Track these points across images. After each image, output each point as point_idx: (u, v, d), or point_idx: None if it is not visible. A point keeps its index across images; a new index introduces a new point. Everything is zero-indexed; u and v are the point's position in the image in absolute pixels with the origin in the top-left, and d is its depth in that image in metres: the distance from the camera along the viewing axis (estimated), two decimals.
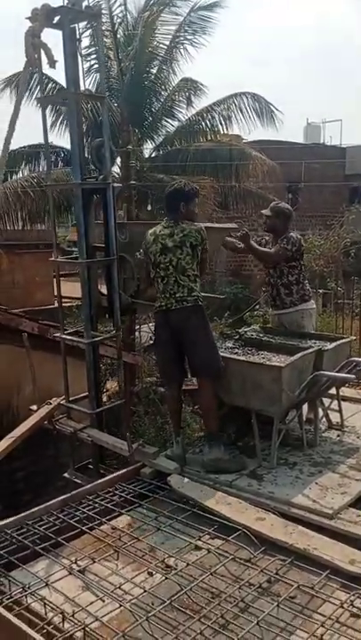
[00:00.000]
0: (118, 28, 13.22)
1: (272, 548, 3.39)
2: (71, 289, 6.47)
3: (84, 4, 4.64)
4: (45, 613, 2.89)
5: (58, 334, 5.34)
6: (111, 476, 4.40)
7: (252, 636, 2.73)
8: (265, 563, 3.26)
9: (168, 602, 2.92)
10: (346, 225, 17.32)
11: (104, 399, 8.58)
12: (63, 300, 5.45)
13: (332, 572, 3.15)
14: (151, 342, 4.99)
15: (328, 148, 26.41)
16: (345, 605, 2.88)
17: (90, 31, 10.53)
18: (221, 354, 4.52)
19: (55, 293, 5.63)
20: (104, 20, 12.83)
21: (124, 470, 4.45)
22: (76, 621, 2.81)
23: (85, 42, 10.85)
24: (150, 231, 4.53)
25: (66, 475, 5.31)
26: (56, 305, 6.74)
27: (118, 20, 13.05)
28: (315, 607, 2.93)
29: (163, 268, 4.36)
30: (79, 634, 2.74)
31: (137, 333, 12.98)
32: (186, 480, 4.19)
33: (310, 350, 4.50)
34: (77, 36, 4.66)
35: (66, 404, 5.24)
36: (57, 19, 4.52)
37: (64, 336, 5.21)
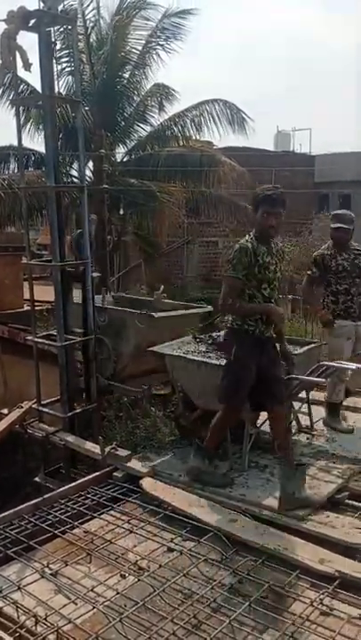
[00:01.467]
0: (91, 32, 13.25)
1: (243, 549, 3.44)
2: (41, 292, 6.42)
3: (60, 7, 4.65)
4: (18, 617, 2.88)
5: (30, 338, 5.31)
6: (83, 479, 4.40)
7: (225, 636, 2.77)
8: (236, 564, 3.31)
9: (141, 603, 2.94)
10: (315, 232, 17.63)
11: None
12: (28, 302, 5.43)
13: (303, 571, 3.21)
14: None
15: (298, 155, 26.76)
16: (315, 604, 2.94)
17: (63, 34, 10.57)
18: (193, 357, 4.56)
19: (25, 297, 5.61)
20: (77, 24, 12.90)
21: (97, 474, 4.45)
22: (48, 624, 2.81)
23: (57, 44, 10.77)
24: (241, 243, 4.01)
25: (37, 479, 5.27)
26: (26, 308, 6.71)
27: (91, 25, 13.07)
28: (285, 606, 2.98)
29: (271, 288, 4.04)
30: (52, 637, 2.74)
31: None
32: (158, 483, 4.21)
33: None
34: (53, 40, 4.67)
35: (38, 408, 5.20)
36: (33, 22, 4.52)
37: (37, 339, 5.19)
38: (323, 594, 3.02)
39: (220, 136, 14.34)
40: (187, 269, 22.89)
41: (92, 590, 3.11)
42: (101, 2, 13.09)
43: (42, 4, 4.52)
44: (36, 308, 5.59)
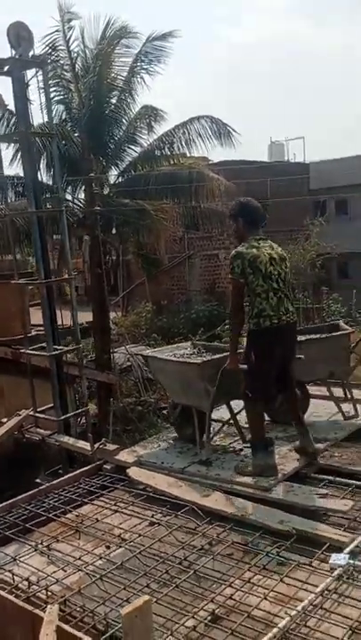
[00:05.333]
0: (76, 62, 13.84)
1: (215, 519, 3.86)
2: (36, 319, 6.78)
3: (31, 53, 5.19)
4: (14, 582, 3.32)
5: (23, 350, 5.80)
6: (76, 472, 4.84)
7: (193, 586, 3.19)
8: (208, 530, 3.73)
9: (119, 563, 3.37)
10: (311, 238, 18.02)
11: (83, 420, 8.99)
12: (37, 327, 5.92)
13: (265, 532, 3.62)
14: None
15: (292, 164, 27.27)
16: (271, 555, 3.36)
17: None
18: (162, 356, 5.03)
19: (32, 322, 6.08)
20: (62, 55, 13.56)
21: (88, 467, 4.90)
22: (39, 586, 3.25)
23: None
24: (244, 248, 4.28)
25: (38, 480, 5.71)
26: (34, 333, 7.19)
27: (75, 55, 13.67)
28: (247, 559, 3.39)
29: (275, 280, 4.23)
30: (42, 595, 3.17)
31: (112, 355, 13.51)
32: (143, 470, 4.65)
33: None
34: (26, 81, 5.20)
35: (34, 414, 5.67)
36: (7, 67, 5.07)
37: (28, 351, 5.67)
38: (280, 547, 3.43)
39: (207, 151, 14.82)
40: (190, 284, 23.40)
41: (79, 559, 3.56)
42: (85, 32, 13.64)
43: (13, 52, 5.06)
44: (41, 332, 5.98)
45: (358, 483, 4.14)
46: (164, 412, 12.04)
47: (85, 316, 13.46)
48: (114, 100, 14.18)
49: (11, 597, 2.99)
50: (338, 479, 4.23)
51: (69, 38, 13.49)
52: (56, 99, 12.85)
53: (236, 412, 4.97)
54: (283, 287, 4.26)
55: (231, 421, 5.03)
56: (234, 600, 3.02)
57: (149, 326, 19.63)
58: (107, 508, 4.24)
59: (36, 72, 5.06)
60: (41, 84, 5.26)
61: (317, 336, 5.42)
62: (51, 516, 4.14)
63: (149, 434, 9.58)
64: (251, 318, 4.26)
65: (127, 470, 4.68)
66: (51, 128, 5.85)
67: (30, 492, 4.44)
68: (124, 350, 15.46)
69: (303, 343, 4.93)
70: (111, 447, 4.96)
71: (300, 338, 5.00)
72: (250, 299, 4.27)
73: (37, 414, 5.67)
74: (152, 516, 4.02)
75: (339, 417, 5.31)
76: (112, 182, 14.44)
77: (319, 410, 5.52)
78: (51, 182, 11.66)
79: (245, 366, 4.30)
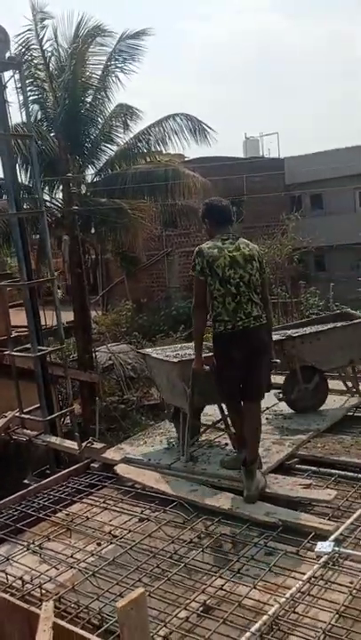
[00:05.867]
0: (50, 61, 13.79)
1: (203, 512, 3.94)
2: (19, 320, 6.81)
3: (7, 54, 5.20)
4: (7, 580, 3.37)
5: (7, 352, 5.82)
6: (64, 471, 4.89)
7: (183, 578, 3.27)
8: (196, 524, 3.81)
9: (111, 559, 3.44)
10: (288, 232, 18.21)
11: (67, 421, 9.03)
12: (17, 328, 5.95)
13: (252, 524, 3.72)
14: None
15: (267, 160, 27.46)
16: (258, 546, 3.45)
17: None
18: (154, 355, 5.08)
19: (12, 323, 6.08)
20: (36, 55, 13.51)
21: (75, 466, 4.95)
22: (33, 584, 3.31)
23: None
24: (207, 245, 4.14)
25: (26, 480, 5.75)
26: (13, 334, 7.18)
27: (49, 55, 13.62)
28: (236, 551, 3.49)
29: (234, 285, 4.01)
30: (37, 593, 3.23)
31: (94, 354, 13.55)
32: (130, 467, 4.71)
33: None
34: (3, 83, 5.22)
35: (20, 416, 5.70)
36: None
37: (13, 353, 5.70)
38: (267, 538, 3.53)
39: (183, 148, 14.90)
40: (169, 281, 23.48)
41: (71, 557, 3.61)
42: (59, 31, 13.60)
43: None
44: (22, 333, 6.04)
45: (341, 472, 4.26)
46: (157, 410, 12.15)
47: (66, 316, 13.46)
48: (89, 99, 14.17)
49: (6, 596, 3.04)
50: (321, 469, 4.35)
51: (42, 38, 13.47)
52: (31, 98, 12.78)
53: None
54: (245, 291, 4.02)
55: (221, 424, 4.89)
56: (224, 590, 3.11)
57: (130, 324, 19.68)
58: (96, 506, 4.30)
59: (14, 73, 5.07)
60: (18, 85, 5.27)
61: (340, 324, 5.58)
62: (41, 515, 4.20)
63: (134, 432, 9.65)
64: (212, 321, 4.15)
65: (115, 468, 4.75)
66: (29, 129, 5.87)
67: (20, 493, 4.48)
68: (106, 349, 15.52)
69: (323, 332, 5.19)
70: (98, 446, 5.02)
71: (318, 328, 5.36)
72: (209, 301, 4.12)
73: (23, 415, 5.69)
74: (141, 512, 4.09)
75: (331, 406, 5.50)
76: (89, 181, 14.46)
77: None
78: (27, 182, 11.63)
79: (208, 367, 4.23)
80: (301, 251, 18.62)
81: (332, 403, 5.57)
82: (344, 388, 5.80)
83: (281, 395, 5.54)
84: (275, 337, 5.57)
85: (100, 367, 14.12)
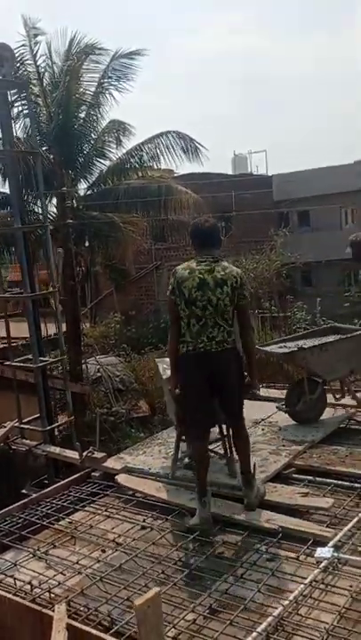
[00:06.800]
0: (44, 76, 13.96)
1: None
2: (14, 330, 6.83)
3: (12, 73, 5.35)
4: (16, 585, 3.45)
5: (8, 362, 5.91)
6: (65, 480, 4.98)
7: (188, 583, 3.38)
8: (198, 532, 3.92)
9: (118, 565, 3.54)
10: (276, 248, 18.49)
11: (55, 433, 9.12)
12: (12, 340, 6.03)
13: (253, 530, 3.84)
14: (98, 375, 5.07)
15: (255, 177, 27.89)
16: (260, 552, 3.58)
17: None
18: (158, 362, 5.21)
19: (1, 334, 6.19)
20: (30, 70, 13.66)
21: (76, 475, 5.04)
22: (42, 589, 3.39)
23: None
24: (182, 266, 4.07)
25: (24, 490, 5.82)
26: (1, 346, 7.28)
27: (42, 70, 13.80)
28: (238, 557, 3.60)
29: (200, 307, 3.91)
30: (46, 596, 3.32)
31: (84, 366, 13.63)
32: (131, 477, 4.81)
33: None
34: (9, 101, 5.37)
35: (19, 426, 5.78)
36: None
37: (14, 363, 5.79)
38: (268, 545, 3.65)
39: (175, 165, 15.13)
40: (158, 294, 23.62)
41: (77, 563, 3.70)
42: (52, 47, 13.80)
43: None
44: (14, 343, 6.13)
45: (337, 481, 4.40)
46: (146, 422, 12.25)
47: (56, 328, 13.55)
48: (82, 115, 14.34)
49: (17, 599, 3.13)
50: (317, 479, 4.49)
51: (36, 53, 13.67)
52: (24, 112, 12.95)
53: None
54: (211, 314, 3.91)
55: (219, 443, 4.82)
56: (229, 594, 3.22)
57: (118, 337, 19.74)
58: (98, 514, 4.39)
59: (19, 93, 5.23)
60: (24, 103, 5.40)
61: (344, 336, 5.83)
62: (45, 523, 4.28)
63: (124, 444, 9.72)
64: None
65: (116, 477, 4.84)
66: (35, 146, 6.02)
67: (22, 502, 4.56)
68: (94, 361, 15.58)
69: (331, 344, 5.51)
70: (99, 455, 5.11)
71: (318, 340, 5.65)
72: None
73: (23, 425, 5.77)
74: (143, 521, 4.19)
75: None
76: (82, 195, 14.61)
77: None
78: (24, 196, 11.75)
79: (177, 391, 4.12)
80: (289, 266, 18.89)
81: (326, 414, 5.73)
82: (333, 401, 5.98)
83: (285, 407, 5.66)
84: (278, 350, 5.74)
85: (90, 379, 14.20)
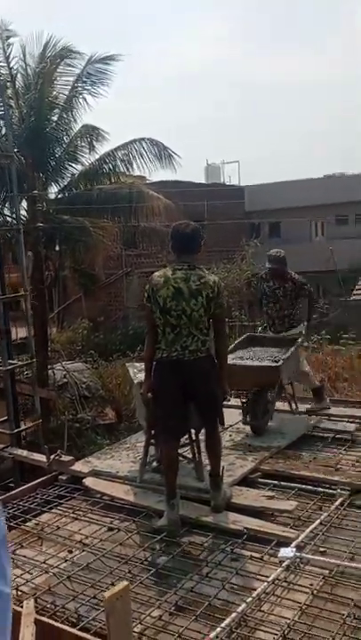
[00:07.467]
0: (16, 78, 13.91)
1: None
2: None
3: None
4: None
5: None
6: (32, 483, 4.99)
7: (154, 582, 3.44)
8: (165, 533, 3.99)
9: (85, 565, 3.58)
10: (247, 258, 18.75)
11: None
12: None
13: (219, 532, 3.93)
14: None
15: (227, 187, 28.19)
16: (225, 552, 3.66)
17: None
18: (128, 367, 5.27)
19: None
20: (3, 72, 13.60)
21: (43, 478, 5.06)
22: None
23: None
24: (158, 274, 4.05)
25: None
26: None
27: (15, 72, 13.75)
28: (203, 557, 3.68)
29: (174, 317, 3.92)
30: (13, 592, 3.33)
31: (50, 372, 13.56)
32: (99, 480, 4.85)
33: None
34: None
35: None
36: None
37: None
38: (233, 545, 3.74)
39: (149, 172, 15.23)
40: (127, 300, 23.61)
41: (44, 562, 3.73)
42: (27, 49, 13.77)
43: None
44: None
45: (301, 485, 4.53)
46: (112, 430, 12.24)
47: (22, 332, 13.44)
48: (55, 118, 14.32)
49: None
50: (282, 483, 4.60)
51: (9, 55, 13.63)
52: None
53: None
54: (185, 324, 3.93)
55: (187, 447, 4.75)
56: (194, 592, 3.30)
57: (86, 343, 19.65)
58: (66, 516, 4.42)
59: None
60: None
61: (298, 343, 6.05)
62: (12, 524, 4.27)
63: (89, 451, 9.70)
64: None
65: (84, 480, 4.87)
66: (9, 149, 6.03)
67: None
68: (61, 367, 15.50)
69: (292, 353, 5.77)
70: (66, 458, 5.13)
71: (265, 351, 5.86)
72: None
73: None
74: (111, 522, 4.24)
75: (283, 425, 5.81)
76: (53, 198, 14.57)
77: None
78: None
79: (150, 395, 4.19)
80: (259, 276, 19.11)
81: (292, 422, 5.87)
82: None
83: (250, 420, 5.64)
84: (265, 363, 5.74)
85: (56, 384, 14.12)
